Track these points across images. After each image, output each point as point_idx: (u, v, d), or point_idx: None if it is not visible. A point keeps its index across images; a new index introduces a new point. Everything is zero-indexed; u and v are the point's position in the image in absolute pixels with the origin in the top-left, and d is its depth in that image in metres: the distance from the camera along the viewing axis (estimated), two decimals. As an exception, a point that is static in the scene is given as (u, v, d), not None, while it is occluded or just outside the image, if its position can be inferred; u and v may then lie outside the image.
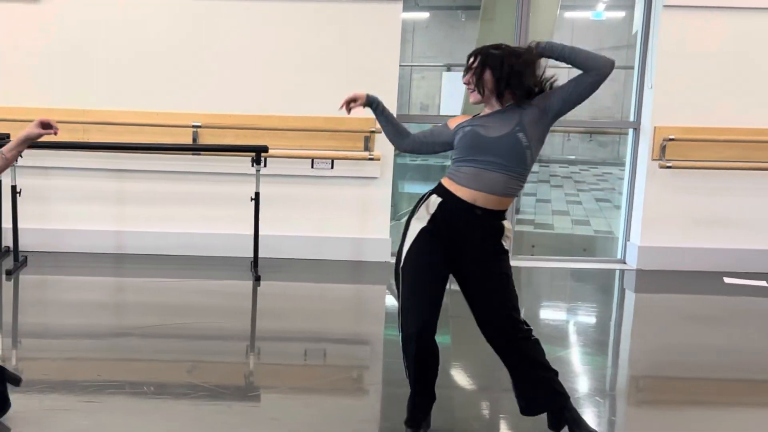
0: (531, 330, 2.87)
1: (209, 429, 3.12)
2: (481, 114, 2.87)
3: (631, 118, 6.25)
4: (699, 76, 5.89)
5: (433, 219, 2.78)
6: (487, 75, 2.77)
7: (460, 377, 3.85)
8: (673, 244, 6.07)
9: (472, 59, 2.83)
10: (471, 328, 2.89)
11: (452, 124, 2.89)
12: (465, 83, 2.84)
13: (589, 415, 3.40)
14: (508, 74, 2.74)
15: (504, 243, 2.82)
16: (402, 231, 2.88)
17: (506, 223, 2.83)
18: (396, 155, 6.27)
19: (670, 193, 6.01)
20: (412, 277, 2.78)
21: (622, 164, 11.20)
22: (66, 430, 3.06)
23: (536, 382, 2.87)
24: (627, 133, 6.49)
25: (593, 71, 2.71)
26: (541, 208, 8.58)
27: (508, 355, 2.87)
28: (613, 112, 12.91)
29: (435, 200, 2.80)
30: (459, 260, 2.80)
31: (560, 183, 10.39)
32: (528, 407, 2.92)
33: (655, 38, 5.92)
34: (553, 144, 12.85)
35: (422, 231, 2.78)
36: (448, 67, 10.59)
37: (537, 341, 2.88)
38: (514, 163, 2.73)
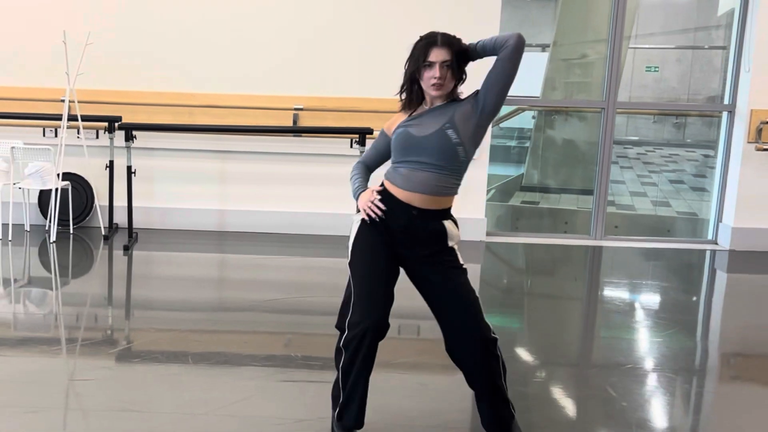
0: (497, 339, 2.73)
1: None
2: (417, 112, 2.71)
3: (726, 101, 6.28)
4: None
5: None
6: (452, 72, 2.62)
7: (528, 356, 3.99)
8: (768, 226, 6.13)
9: (443, 53, 2.59)
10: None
11: (390, 130, 2.76)
12: (437, 77, 2.59)
13: (679, 390, 3.51)
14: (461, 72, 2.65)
15: (450, 244, 2.72)
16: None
17: (448, 224, 2.74)
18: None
19: (766, 175, 6.05)
20: (361, 272, 2.66)
21: (688, 146, 11.10)
22: (231, 391, 3.23)
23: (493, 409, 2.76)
24: (717, 116, 6.52)
25: (503, 49, 2.56)
26: (616, 188, 8.61)
27: (477, 379, 2.74)
28: (679, 93, 12.77)
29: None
30: (407, 257, 2.71)
31: (630, 164, 10.35)
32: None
33: (753, 20, 5.93)
34: (616, 124, 12.74)
35: (363, 224, 2.71)
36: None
37: (499, 357, 2.74)
38: (444, 160, 2.62)
